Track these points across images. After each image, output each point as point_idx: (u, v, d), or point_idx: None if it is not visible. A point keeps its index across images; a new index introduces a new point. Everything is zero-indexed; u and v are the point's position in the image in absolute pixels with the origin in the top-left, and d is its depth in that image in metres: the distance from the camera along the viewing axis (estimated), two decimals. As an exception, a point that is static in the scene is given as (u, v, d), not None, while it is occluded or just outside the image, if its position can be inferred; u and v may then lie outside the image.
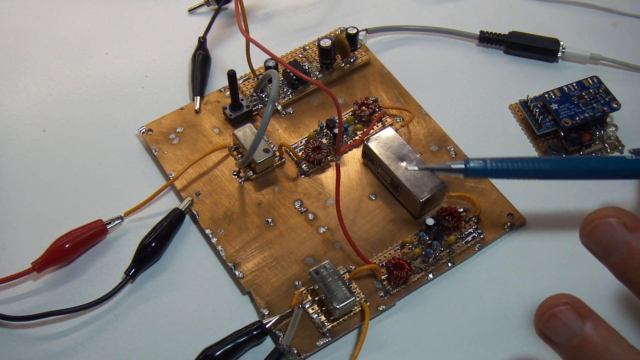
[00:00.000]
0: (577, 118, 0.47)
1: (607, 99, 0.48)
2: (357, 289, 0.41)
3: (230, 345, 0.39)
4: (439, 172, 0.39)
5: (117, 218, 0.44)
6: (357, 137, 0.48)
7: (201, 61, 0.51)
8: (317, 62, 0.51)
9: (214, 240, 0.43)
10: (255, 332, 0.39)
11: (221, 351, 0.38)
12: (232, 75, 0.46)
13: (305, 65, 0.51)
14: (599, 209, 0.28)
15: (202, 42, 0.53)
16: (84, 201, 0.45)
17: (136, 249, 0.42)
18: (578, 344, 0.28)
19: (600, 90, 0.49)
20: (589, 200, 0.46)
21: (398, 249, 0.43)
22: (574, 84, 0.49)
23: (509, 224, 0.44)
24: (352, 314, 0.41)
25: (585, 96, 0.48)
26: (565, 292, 0.28)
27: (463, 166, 0.35)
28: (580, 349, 0.28)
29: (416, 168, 0.39)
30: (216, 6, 0.55)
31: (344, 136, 0.48)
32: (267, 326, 0.40)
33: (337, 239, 0.44)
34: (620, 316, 0.41)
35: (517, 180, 0.46)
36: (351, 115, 0.48)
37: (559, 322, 0.28)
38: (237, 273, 0.42)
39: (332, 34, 0.53)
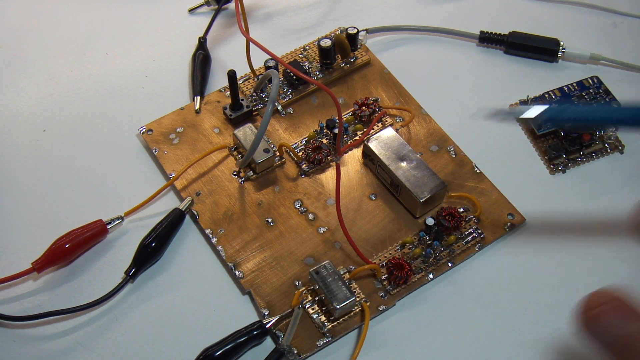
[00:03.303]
0: (577, 118, 0.47)
1: (607, 99, 0.48)
2: (357, 289, 0.41)
3: (231, 345, 0.39)
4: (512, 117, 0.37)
5: (117, 218, 0.44)
6: (357, 137, 0.48)
7: (201, 61, 0.51)
8: (317, 62, 0.51)
9: (214, 240, 0.43)
10: (255, 332, 0.39)
11: (221, 351, 0.38)
12: (232, 75, 0.46)
13: (305, 65, 0.51)
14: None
15: (202, 42, 0.53)
16: (84, 201, 0.45)
17: (136, 249, 0.42)
18: (625, 344, 0.26)
19: (600, 90, 0.49)
20: (588, 200, 0.46)
21: (398, 249, 0.43)
22: (574, 84, 0.49)
23: (509, 224, 0.44)
24: (352, 314, 0.41)
25: (586, 96, 0.48)
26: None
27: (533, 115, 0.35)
28: (627, 349, 0.26)
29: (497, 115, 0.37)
30: (216, 6, 0.55)
31: (344, 136, 0.48)
32: (267, 326, 0.40)
33: (337, 239, 0.44)
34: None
35: (517, 180, 0.46)
36: (351, 115, 0.48)
37: (607, 321, 0.26)
38: (237, 273, 0.42)
39: (332, 34, 0.53)
